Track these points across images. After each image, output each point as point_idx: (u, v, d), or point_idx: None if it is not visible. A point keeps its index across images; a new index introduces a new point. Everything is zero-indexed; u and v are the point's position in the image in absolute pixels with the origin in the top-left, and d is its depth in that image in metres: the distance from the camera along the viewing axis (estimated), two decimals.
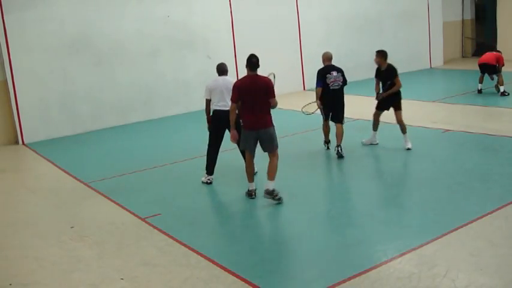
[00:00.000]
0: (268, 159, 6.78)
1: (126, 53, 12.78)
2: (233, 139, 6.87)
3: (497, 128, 9.58)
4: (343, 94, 8.91)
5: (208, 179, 7.78)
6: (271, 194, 6.59)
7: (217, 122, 7.71)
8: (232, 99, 6.75)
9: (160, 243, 5.86)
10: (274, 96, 6.72)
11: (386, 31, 17.10)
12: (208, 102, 7.77)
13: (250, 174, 6.92)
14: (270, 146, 6.72)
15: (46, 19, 11.69)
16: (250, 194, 6.94)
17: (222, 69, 8.02)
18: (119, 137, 11.74)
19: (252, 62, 6.98)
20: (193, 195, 7.44)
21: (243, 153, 7.23)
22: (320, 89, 8.81)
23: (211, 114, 7.74)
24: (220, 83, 7.76)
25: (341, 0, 16.24)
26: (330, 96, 8.82)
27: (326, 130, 9.28)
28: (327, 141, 9.36)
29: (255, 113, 6.63)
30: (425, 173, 7.54)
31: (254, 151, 6.86)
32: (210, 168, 7.80)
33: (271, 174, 6.63)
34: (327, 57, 9.29)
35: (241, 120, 6.85)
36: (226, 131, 7.52)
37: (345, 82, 8.93)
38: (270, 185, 6.60)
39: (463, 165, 7.78)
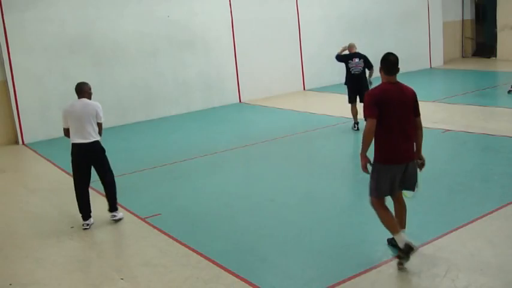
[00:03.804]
0: (395, 203, 5.16)
1: (126, 53, 12.77)
2: (366, 170, 4.87)
3: (497, 128, 9.58)
4: (365, 77, 10.08)
5: (84, 225, 6.38)
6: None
7: (78, 159, 6.30)
8: (370, 114, 4.76)
9: (160, 243, 5.86)
10: (420, 115, 5.02)
11: (386, 31, 17.09)
12: (66, 131, 6.36)
13: (394, 220, 4.96)
14: (413, 184, 5.05)
15: (46, 19, 11.69)
16: (411, 249, 4.74)
17: (79, 90, 6.33)
18: (119, 137, 11.74)
19: (390, 61, 4.85)
20: (193, 195, 7.43)
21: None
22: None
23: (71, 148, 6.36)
24: (77, 108, 6.22)
25: (341, 1, 16.23)
26: (353, 80, 10.09)
27: (354, 112, 10.15)
28: (356, 123, 10.15)
29: (406, 138, 4.85)
30: (425, 173, 7.46)
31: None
32: (84, 212, 6.41)
33: (404, 220, 5.11)
34: (350, 46, 10.43)
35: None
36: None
37: (368, 67, 10.15)
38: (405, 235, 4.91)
39: (463, 165, 7.78)
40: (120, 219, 6.54)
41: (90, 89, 6.44)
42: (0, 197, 8.07)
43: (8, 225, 6.85)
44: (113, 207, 6.54)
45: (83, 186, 6.41)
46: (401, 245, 4.79)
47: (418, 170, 5.06)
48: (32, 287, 5.13)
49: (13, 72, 11.42)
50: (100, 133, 6.42)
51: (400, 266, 4.81)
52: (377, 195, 4.92)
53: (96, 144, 6.32)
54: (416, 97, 4.99)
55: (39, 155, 10.58)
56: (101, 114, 6.33)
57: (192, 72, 13.79)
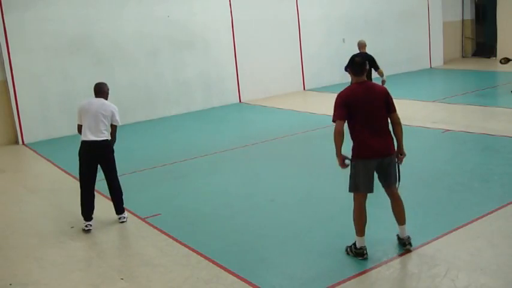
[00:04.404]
0: (391, 200, 5.26)
1: (126, 53, 12.78)
2: (343, 166, 5.12)
3: (497, 128, 9.58)
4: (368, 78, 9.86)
5: (87, 226, 6.31)
6: (406, 241, 5.21)
7: (87, 157, 6.26)
8: (337, 117, 4.96)
9: (160, 243, 5.86)
10: (396, 110, 5.09)
11: (386, 31, 17.10)
12: (80, 128, 6.35)
13: (364, 224, 5.15)
14: (392, 178, 5.12)
15: (46, 19, 11.69)
16: (363, 254, 5.10)
17: (99, 90, 6.48)
18: (119, 137, 11.69)
19: (356, 63, 5.12)
20: (193, 195, 7.43)
21: None
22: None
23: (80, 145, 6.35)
24: (94, 107, 6.30)
25: (341, 1, 16.24)
26: None
27: None
28: None
29: (378, 134, 4.98)
30: (425, 173, 7.53)
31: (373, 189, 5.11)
32: (86, 213, 6.32)
33: (402, 216, 5.20)
34: (360, 44, 10.26)
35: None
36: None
37: (374, 68, 9.82)
38: (405, 231, 5.22)
39: (463, 165, 7.78)
40: (125, 221, 6.56)
41: (108, 89, 6.53)
42: (0, 197, 8.07)
43: (8, 225, 6.85)
44: (120, 210, 6.55)
45: (89, 185, 6.34)
46: (358, 245, 5.12)
47: (399, 163, 5.16)
48: (32, 287, 5.13)
49: (13, 72, 11.42)
50: (114, 135, 6.43)
51: (346, 252, 5.22)
52: (356, 191, 5.12)
53: (105, 142, 6.33)
54: (387, 94, 5.09)
55: (39, 155, 10.58)
56: (117, 117, 6.38)
57: (192, 72, 13.79)
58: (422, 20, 18.11)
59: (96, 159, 6.32)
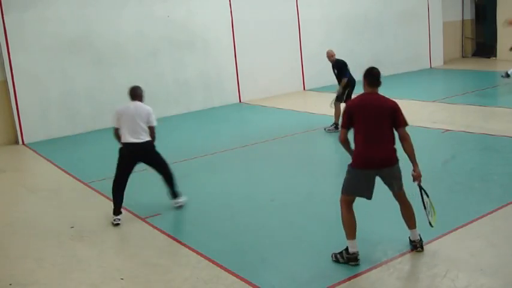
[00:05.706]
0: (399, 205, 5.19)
1: (125, 53, 12.77)
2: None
3: (497, 128, 9.58)
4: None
5: (115, 220, 6.51)
6: (418, 244, 5.17)
7: (128, 158, 6.57)
8: (341, 124, 5.07)
9: (160, 243, 5.86)
10: (404, 125, 4.94)
11: (386, 31, 17.09)
12: (116, 131, 6.65)
13: (354, 227, 5.01)
14: (396, 188, 5.07)
15: (46, 19, 11.68)
16: (356, 259, 4.96)
17: (134, 94, 6.73)
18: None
19: (374, 74, 4.99)
20: (193, 195, 7.43)
21: None
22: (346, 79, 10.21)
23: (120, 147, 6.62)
24: (131, 110, 6.55)
25: (341, 1, 16.23)
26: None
27: (338, 113, 10.17)
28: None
29: (377, 145, 4.88)
30: (426, 173, 7.49)
31: (371, 195, 5.00)
32: (116, 208, 6.56)
33: (412, 220, 5.16)
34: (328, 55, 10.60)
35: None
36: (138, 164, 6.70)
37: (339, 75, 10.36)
38: (416, 234, 5.17)
39: (463, 165, 7.78)
40: (182, 205, 6.85)
41: (142, 92, 6.79)
42: (0, 197, 8.07)
43: (8, 225, 6.85)
44: (174, 195, 6.85)
45: (123, 183, 6.62)
46: (350, 250, 4.98)
47: (418, 183, 5.09)
48: (32, 287, 5.13)
49: (13, 72, 11.42)
50: (153, 136, 6.65)
51: (333, 259, 5.06)
52: (343, 193, 5.07)
53: (149, 144, 6.59)
54: (395, 110, 4.91)
55: (39, 155, 10.58)
56: (152, 118, 6.60)
57: (192, 72, 13.79)
58: (422, 20, 18.10)
59: (137, 160, 6.62)
